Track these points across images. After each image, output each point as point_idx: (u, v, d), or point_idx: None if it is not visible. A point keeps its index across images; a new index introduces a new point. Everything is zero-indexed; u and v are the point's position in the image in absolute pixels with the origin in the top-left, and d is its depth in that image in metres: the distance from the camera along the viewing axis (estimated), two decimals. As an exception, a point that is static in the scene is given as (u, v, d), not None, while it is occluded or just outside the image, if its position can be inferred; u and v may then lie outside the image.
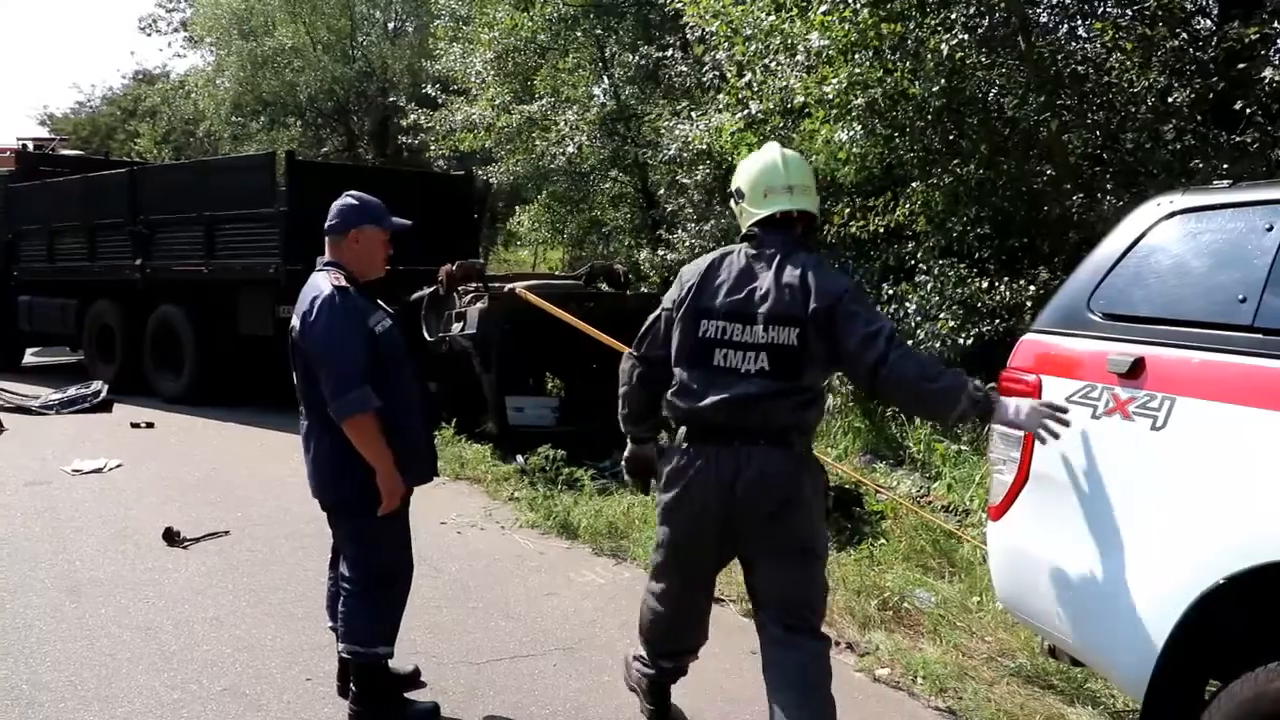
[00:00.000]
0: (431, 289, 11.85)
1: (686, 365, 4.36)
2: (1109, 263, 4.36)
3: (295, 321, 4.86)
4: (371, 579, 5.00)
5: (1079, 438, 4.12)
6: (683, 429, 4.39)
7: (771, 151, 4.59)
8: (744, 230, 4.53)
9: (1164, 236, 4.20)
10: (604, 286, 12.75)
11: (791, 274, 4.26)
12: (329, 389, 4.70)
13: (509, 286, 11.09)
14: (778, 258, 4.33)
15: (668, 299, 4.53)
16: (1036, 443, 4.26)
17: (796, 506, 4.24)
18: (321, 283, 4.87)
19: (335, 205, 5.09)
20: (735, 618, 6.68)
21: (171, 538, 8.14)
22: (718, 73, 16.38)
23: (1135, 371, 3.93)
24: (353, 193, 5.22)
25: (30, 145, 23.16)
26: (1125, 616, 3.80)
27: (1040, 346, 4.55)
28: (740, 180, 4.61)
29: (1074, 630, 4.18)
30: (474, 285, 11.62)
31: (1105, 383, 4.07)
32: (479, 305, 10.88)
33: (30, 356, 21.02)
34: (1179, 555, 3.61)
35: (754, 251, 4.41)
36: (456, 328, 11.03)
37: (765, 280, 4.29)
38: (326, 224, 5.06)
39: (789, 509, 4.23)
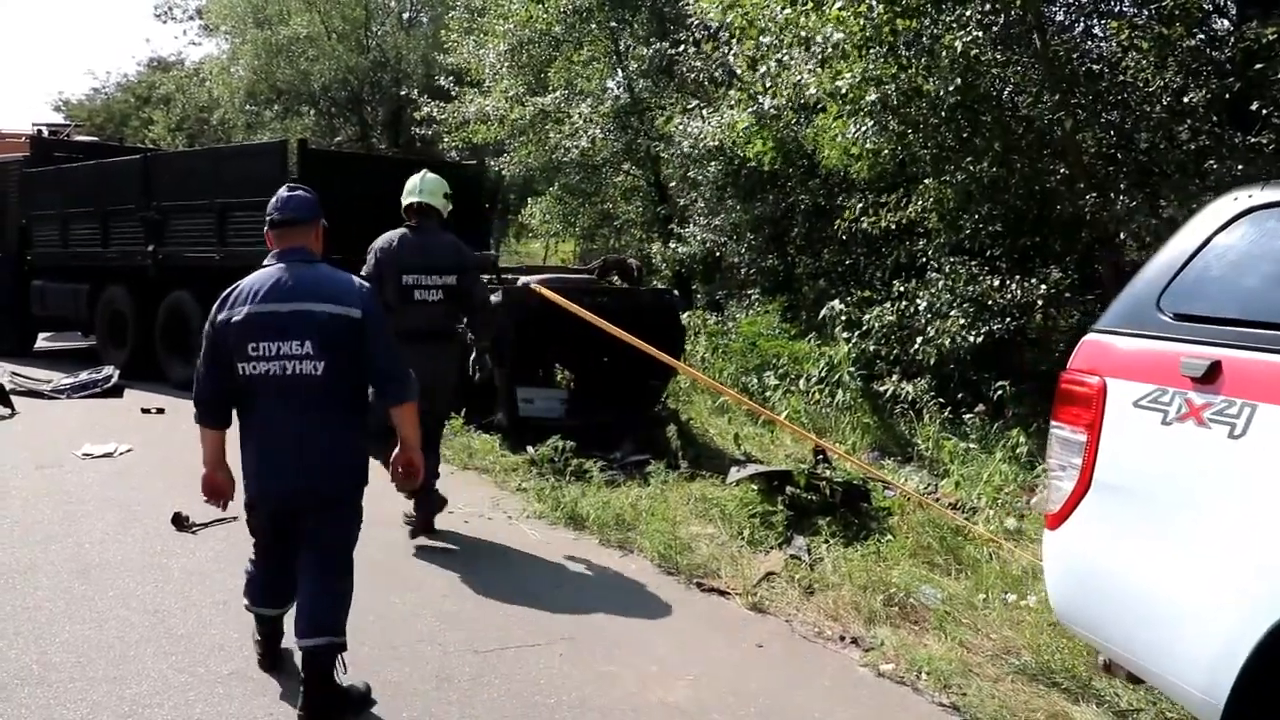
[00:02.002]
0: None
1: (398, 301, 7.70)
2: (1180, 260, 4.17)
3: (343, 310, 4.97)
4: (350, 568, 5.23)
5: (1148, 444, 3.95)
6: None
7: (415, 176, 8.18)
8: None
9: (1241, 234, 4.02)
10: (617, 280, 12.71)
11: (445, 243, 8.04)
12: (395, 374, 5.13)
13: (522, 281, 10.88)
14: (434, 233, 8.02)
15: (373, 265, 7.87)
16: (1101, 449, 4.09)
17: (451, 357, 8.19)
18: (346, 276, 5.16)
19: (296, 196, 5.30)
20: (739, 610, 6.71)
21: (180, 522, 8.12)
22: (728, 69, 16.42)
23: (1211, 376, 3.72)
24: (298, 184, 5.57)
25: (45, 131, 23.16)
26: (1196, 635, 3.63)
27: (1104, 348, 4.33)
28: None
29: (1137, 647, 4.00)
30: (486, 278, 11.45)
31: (1178, 387, 3.86)
32: (493, 299, 10.74)
33: (43, 341, 21.01)
34: (1258, 572, 3.44)
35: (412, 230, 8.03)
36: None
37: (432, 247, 7.95)
38: (292, 214, 5.22)
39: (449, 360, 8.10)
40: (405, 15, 37.32)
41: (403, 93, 32.22)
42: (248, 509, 5.27)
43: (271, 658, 5.49)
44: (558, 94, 21.41)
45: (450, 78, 25.46)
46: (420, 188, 8.08)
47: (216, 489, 5.22)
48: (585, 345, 10.89)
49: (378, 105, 36.61)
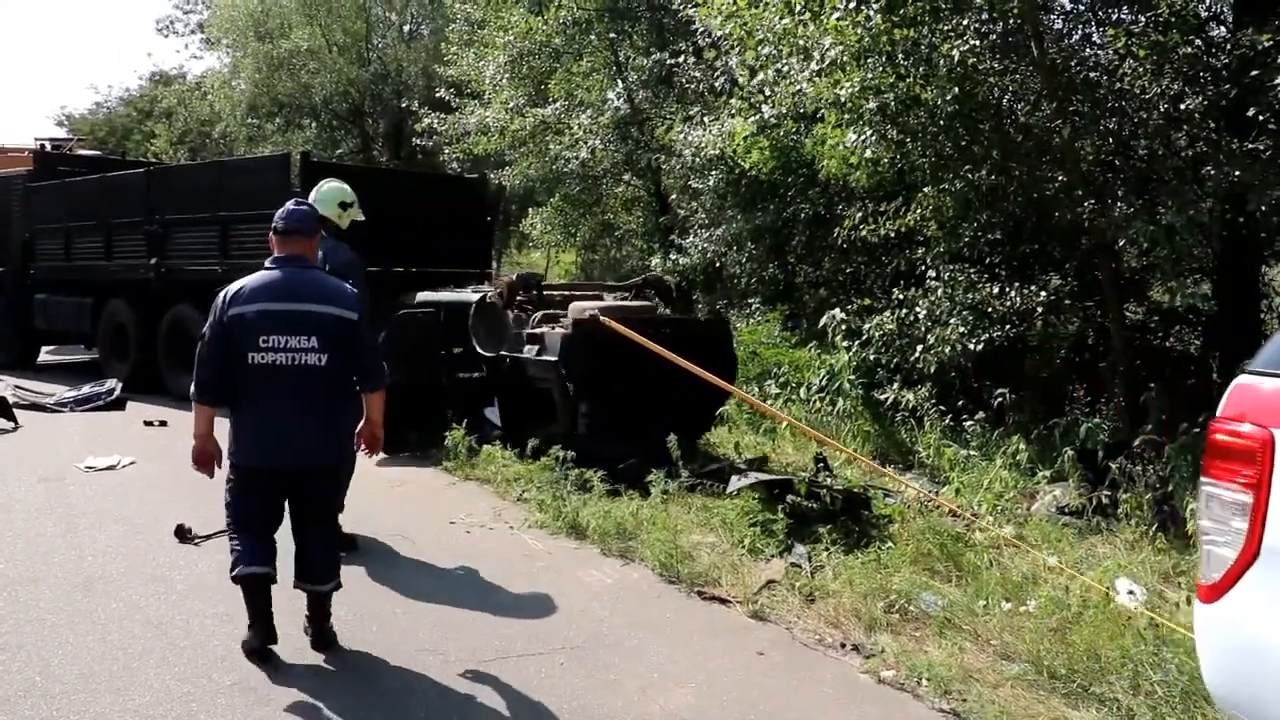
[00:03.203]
0: (479, 297, 11.43)
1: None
2: None
3: (344, 312, 5.87)
4: (338, 523, 6.38)
5: None
6: None
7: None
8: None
9: None
10: (654, 298, 12.51)
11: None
12: (376, 366, 6.09)
13: (589, 311, 10.43)
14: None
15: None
16: (1272, 511, 3.57)
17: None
18: (341, 282, 6.12)
19: (301, 209, 6.21)
20: (740, 618, 6.75)
21: (183, 535, 8.17)
22: (729, 78, 16.45)
23: None
24: (306, 200, 6.56)
25: (48, 145, 23.29)
26: None
27: (1262, 394, 3.78)
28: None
29: None
30: (527, 297, 11.50)
31: None
32: (559, 330, 10.53)
33: (46, 354, 21.06)
34: None
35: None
36: (530, 350, 10.70)
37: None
38: (296, 225, 6.06)
39: None
40: (406, 28, 37.40)
41: (403, 105, 32.32)
42: (248, 478, 5.89)
43: (265, 628, 5.86)
44: (558, 105, 21.48)
45: (450, 90, 25.51)
46: (315, 197, 8.15)
47: (205, 457, 5.95)
48: (643, 374, 10.27)
49: (379, 118, 36.70)
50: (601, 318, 10.20)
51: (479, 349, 11.13)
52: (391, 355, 9.85)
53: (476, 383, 11.97)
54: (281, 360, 5.70)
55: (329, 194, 8.19)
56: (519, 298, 11.44)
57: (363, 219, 8.44)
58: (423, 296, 12.77)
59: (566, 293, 11.70)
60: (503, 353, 10.94)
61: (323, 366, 5.76)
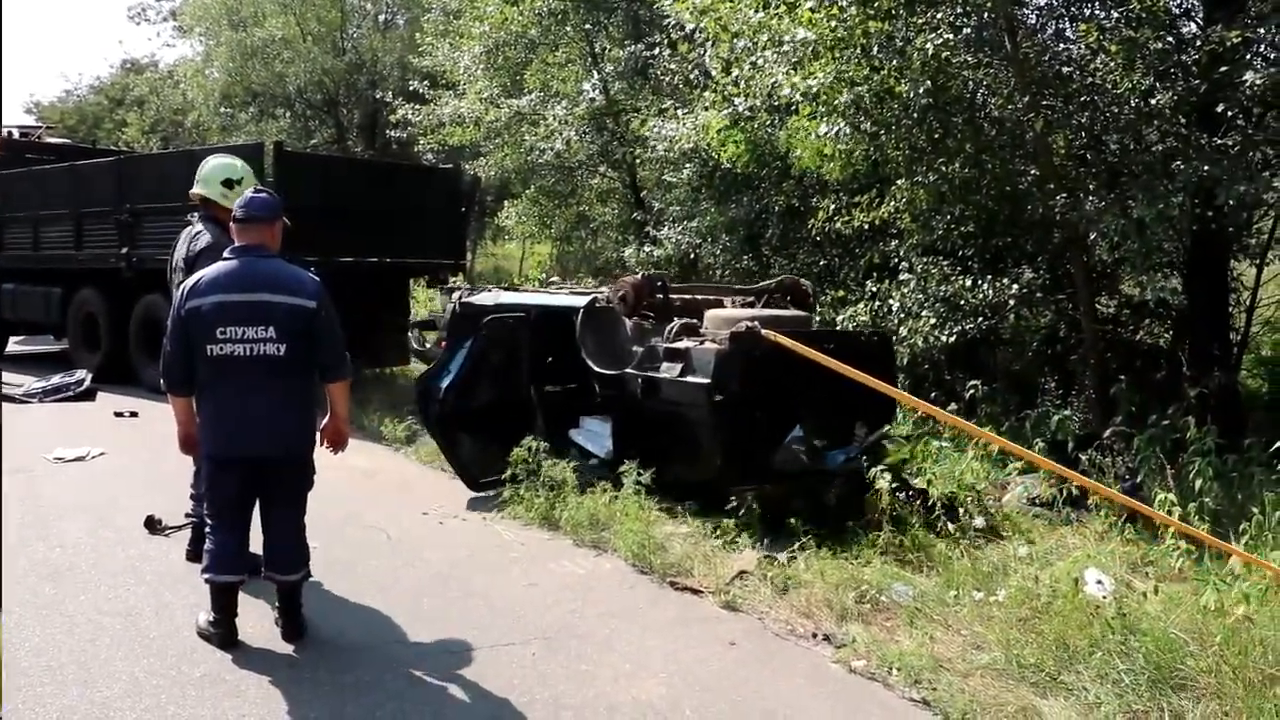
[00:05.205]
0: (589, 301, 9.97)
1: None
2: None
3: (301, 301, 5.88)
4: (304, 513, 6.27)
5: None
6: None
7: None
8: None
9: None
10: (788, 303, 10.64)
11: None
12: (338, 356, 6.07)
13: (744, 324, 8.55)
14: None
15: None
16: None
17: None
18: (301, 270, 6.07)
19: (259, 196, 6.17)
20: (712, 609, 6.83)
21: (153, 526, 8.19)
22: (703, 71, 16.49)
23: None
24: (265, 189, 6.49)
25: (15, 133, 23.12)
26: None
27: None
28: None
29: None
30: (652, 303, 9.70)
31: None
32: (710, 345, 8.69)
33: (13, 345, 20.89)
34: None
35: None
36: (671, 369, 8.81)
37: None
38: (253, 212, 6.06)
39: None
40: (381, 18, 37.41)
41: (378, 95, 32.45)
42: (218, 469, 6.02)
43: (230, 629, 6.00)
44: (533, 96, 21.52)
45: (425, 81, 25.54)
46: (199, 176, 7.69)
47: (190, 441, 6.17)
48: (817, 400, 8.70)
49: (353, 108, 36.66)
50: (763, 330, 8.40)
51: (592, 364, 9.49)
52: (480, 368, 9.79)
53: (562, 399, 10.23)
54: (239, 351, 5.77)
55: (211, 172, 7.57)
56: (644, 309, 9.70)
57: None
58: (497, 298, 10.96)
59: (687, 296, 10.21)
60: (629, 371, 9.16)
61: (281, 356, 5.82)
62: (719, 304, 10.01)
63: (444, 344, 11.24)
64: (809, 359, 7.99)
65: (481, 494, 9.61)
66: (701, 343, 8.79)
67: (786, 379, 8.32)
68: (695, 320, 9.35)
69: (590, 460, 9.62)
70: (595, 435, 9.84)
